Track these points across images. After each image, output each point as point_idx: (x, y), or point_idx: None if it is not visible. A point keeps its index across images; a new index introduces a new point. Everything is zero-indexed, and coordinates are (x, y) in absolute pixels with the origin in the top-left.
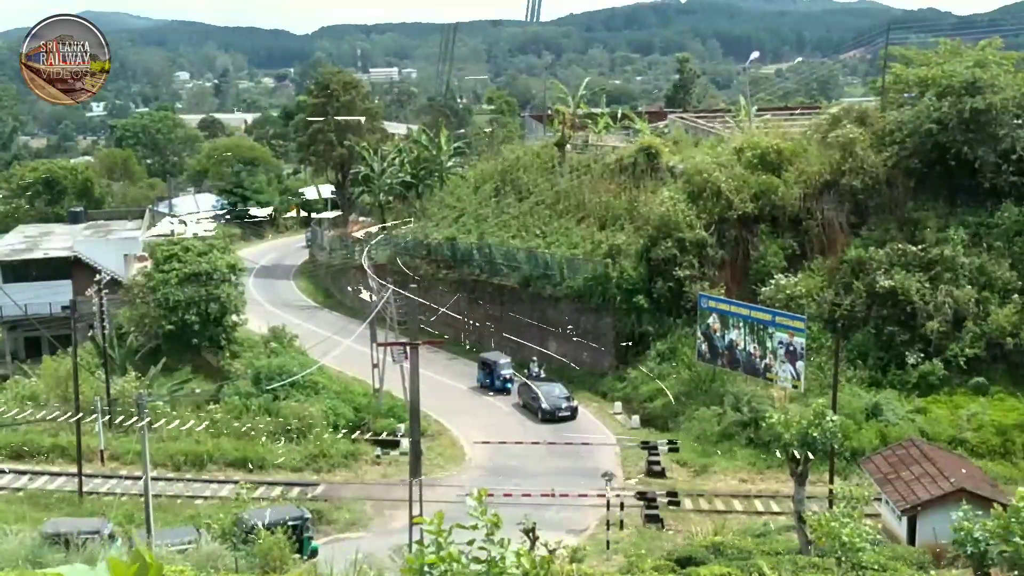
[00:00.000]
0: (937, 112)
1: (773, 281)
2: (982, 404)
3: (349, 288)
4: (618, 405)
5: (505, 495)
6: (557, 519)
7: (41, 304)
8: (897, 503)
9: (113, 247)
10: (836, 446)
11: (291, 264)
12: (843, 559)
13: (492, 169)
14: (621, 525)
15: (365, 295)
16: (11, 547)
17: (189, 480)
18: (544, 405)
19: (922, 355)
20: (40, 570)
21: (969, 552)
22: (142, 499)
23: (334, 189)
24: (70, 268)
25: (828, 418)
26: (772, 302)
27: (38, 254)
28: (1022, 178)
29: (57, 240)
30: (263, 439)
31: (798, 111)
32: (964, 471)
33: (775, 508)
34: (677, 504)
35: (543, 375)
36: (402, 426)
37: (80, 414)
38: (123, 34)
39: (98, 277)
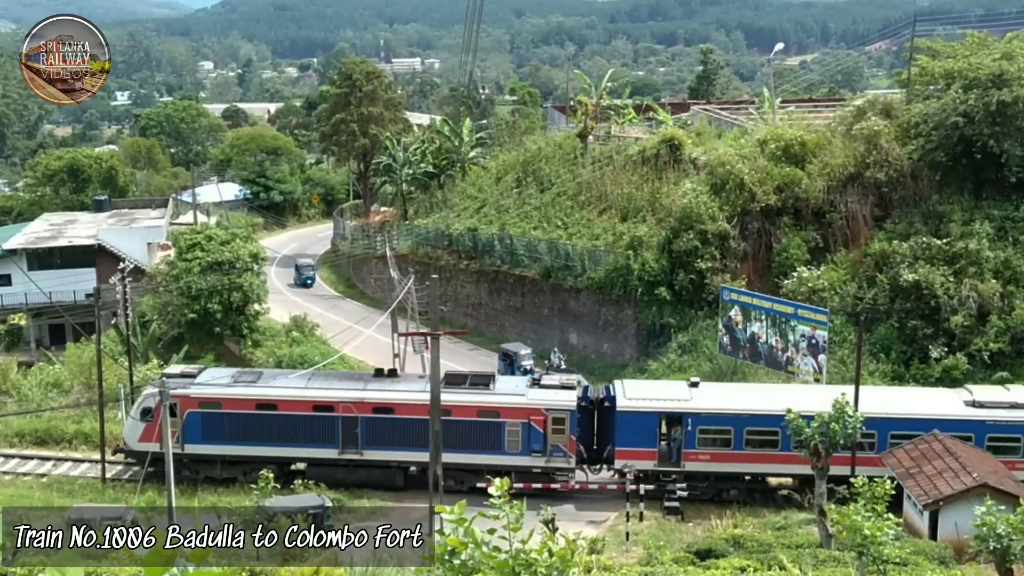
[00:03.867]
0: (963, 105)
1: (796, 274)
2: None
3: (372, 279)
4: None
5: (525, 486)
6: (576, 510)
7: (65, 291)
8: (919, 497)
9: (137, 235)
10: (858, 440)
11: (313, 254)
12: (864, 553)
13: (514, 160)
14: (640, 517)
15: (395, 273)
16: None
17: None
18: None
19: (946, 349)
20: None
21: (992, 548)
22: (164, 486)
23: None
24: (94, 256)
25: (850, 412)
26: (795, 295)
27: (63, 242)
28: None
29: (81, 228)
30: None
31: (822, 103)
32: (987, 466)
33: (795, 501)
34: (697, 496)
35: (564, 366)
36: None
37: (103, 401)
38: (148, 24)
39: (122, 265)
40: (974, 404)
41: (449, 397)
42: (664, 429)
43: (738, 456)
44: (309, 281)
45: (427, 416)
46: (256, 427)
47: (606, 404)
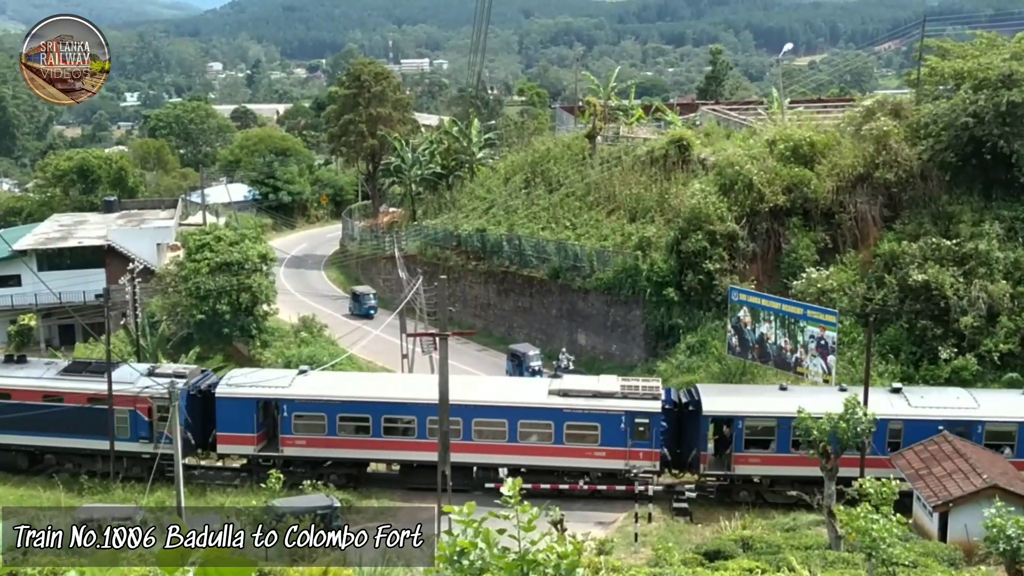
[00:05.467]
0: (973, 105)
1: (804, 274)
2: None
3: (381, 279)
4: None
5: (533, 487)
6: (585, 511)
7: (75, 292)
8: (928, 499)
9: (146, 236)
10: (867, 441)
11: (322, 255)
12: (873, 554)
13: (522, 160)
14: (649, 518)
15: (403, 274)
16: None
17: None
18: None
19: (955, 350)
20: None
21: (1001, 549)
22: (173, 486)
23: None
24: (104, 257)
25: (859, 413)
26: (803, 296)
27: (72, 243)
28: None
29: (91, 229)
30: None
31: (831, 103)
32: (997, 467)
33: (804, 502)
34: (706, 497)
35: (572, 367)
36: None
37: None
38: (157, 25)
39: (131, 266)
40: (558, 392)
41: (61, 384)
42: (264, 415)
43: (332, 442)
44: (372, 312)
45: (42, 401)
46: None
47: (213, 392)
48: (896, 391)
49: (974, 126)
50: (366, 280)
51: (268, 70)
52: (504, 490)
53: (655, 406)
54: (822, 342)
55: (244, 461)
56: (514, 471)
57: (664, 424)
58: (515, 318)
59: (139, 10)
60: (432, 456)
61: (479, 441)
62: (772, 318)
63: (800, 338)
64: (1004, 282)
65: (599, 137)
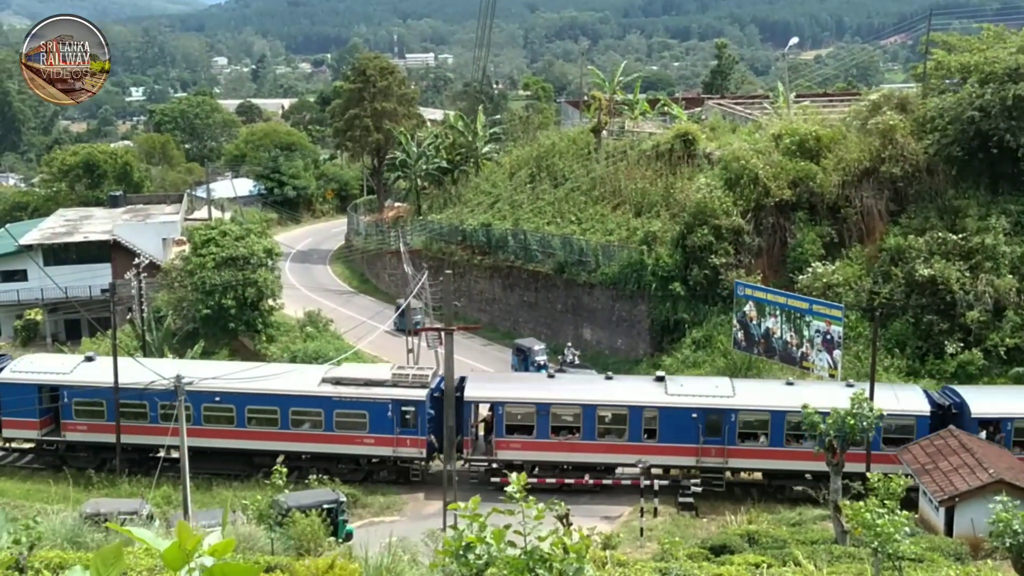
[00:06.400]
0: (979, 99)
1: (810, 269)
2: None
3: (386, 274)
4: None
5: (538, 481)
6: (590, 506)
7: (81, 287)
8: (935, 494)
9: (152, 231)
10: (873, 435)
11: (327, 249)
12: (879, 549)
13: (528, 155)
14: (655, 513)
15: (408, 269)
16: (52, 526)
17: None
18: None
19: (961, 344)
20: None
21: (1008, 544)
22: (179, 480)
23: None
24: (109, 251)
25: (865, 407)
26: (809, 290)
27: (78, 237)
28: None
29: (97, 224)
30: None
31: (837, 97)
32: (1004, 462)
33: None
34: (712, 492)
35: (577, 362)
36: None
37: (118, 396)
38: (163, 20)
39: (137, 260)
40: (330, 381)
41: None
42: (50, 401)
43: (113, 427)
44: (420, 325)
45: None
46: None
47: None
48: (660, 379)
49: (980, 120)
50: (371, 275)
51: (273, 65)
52: (509, 485)
53: (421, 394)
54: (828, 336)
55: (32, 445)
56: (292, 457)
57: (432, 412)
58: (520, 313)
59: (144, 5)
60: (209, 442)
61: (253, 428)
62: (778, 312)
63: (806, 332)
64: (1010, 276)
65: (604, 131)
